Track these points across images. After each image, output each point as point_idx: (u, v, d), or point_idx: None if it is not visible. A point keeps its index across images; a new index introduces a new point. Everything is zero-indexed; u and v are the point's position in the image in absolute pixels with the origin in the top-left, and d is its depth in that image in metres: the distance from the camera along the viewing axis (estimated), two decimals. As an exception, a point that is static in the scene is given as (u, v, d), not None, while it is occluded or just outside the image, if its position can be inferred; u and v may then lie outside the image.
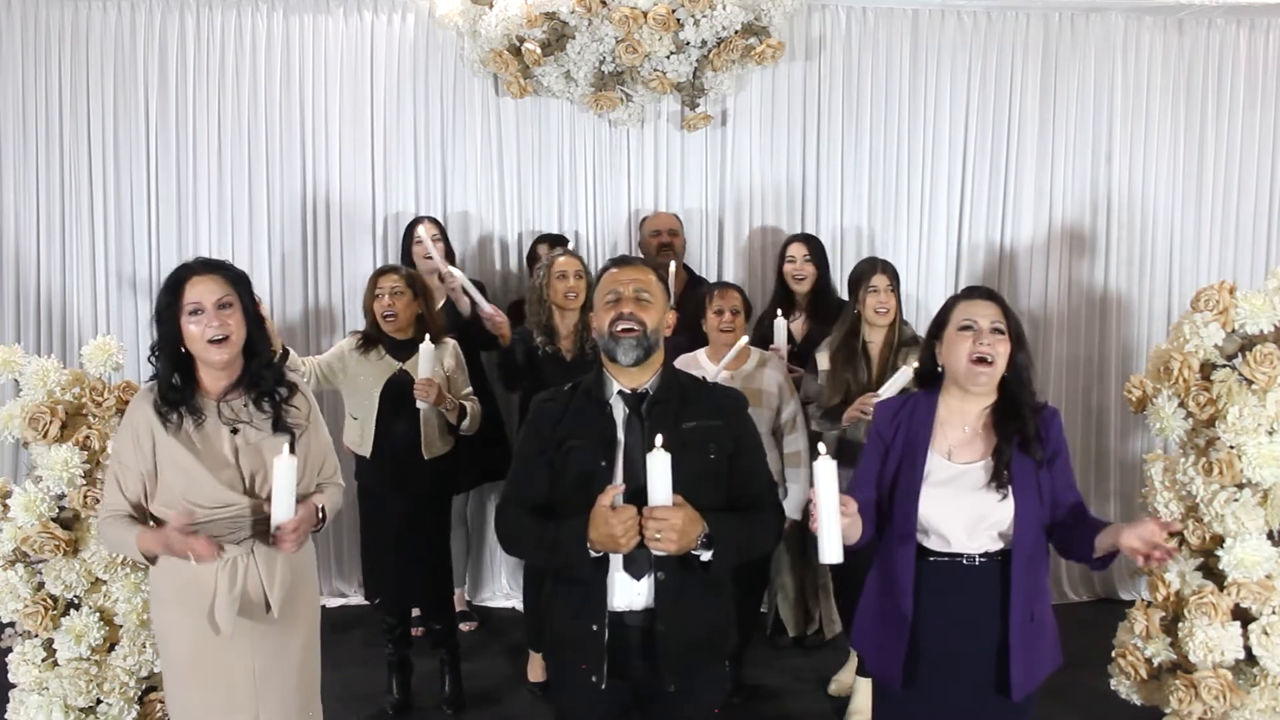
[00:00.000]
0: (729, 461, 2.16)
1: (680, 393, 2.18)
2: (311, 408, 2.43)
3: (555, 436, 2.16)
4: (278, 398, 2.32)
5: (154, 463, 2.25)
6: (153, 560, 2.28)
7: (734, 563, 2.12)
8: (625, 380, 2.17)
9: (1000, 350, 2.21)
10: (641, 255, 4.37)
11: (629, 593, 2.11)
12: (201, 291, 2.22)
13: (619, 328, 2.13)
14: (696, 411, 2.16)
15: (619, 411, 2.16)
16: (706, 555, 2.06)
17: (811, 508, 1.97)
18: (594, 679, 2.11)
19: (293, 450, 2.25)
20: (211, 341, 2.21)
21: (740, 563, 2.15)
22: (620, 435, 2.14)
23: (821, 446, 2.01)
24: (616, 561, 2.10)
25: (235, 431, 2.28)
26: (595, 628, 2.11)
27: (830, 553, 1.96)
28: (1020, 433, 2.21)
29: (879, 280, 3.42)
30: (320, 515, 2.36)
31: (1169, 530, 2.10)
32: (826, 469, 1.95)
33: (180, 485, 2.24)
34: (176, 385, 2.25)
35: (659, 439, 1.96)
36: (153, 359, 2.28)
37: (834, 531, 1.95)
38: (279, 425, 2.31)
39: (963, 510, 2.20)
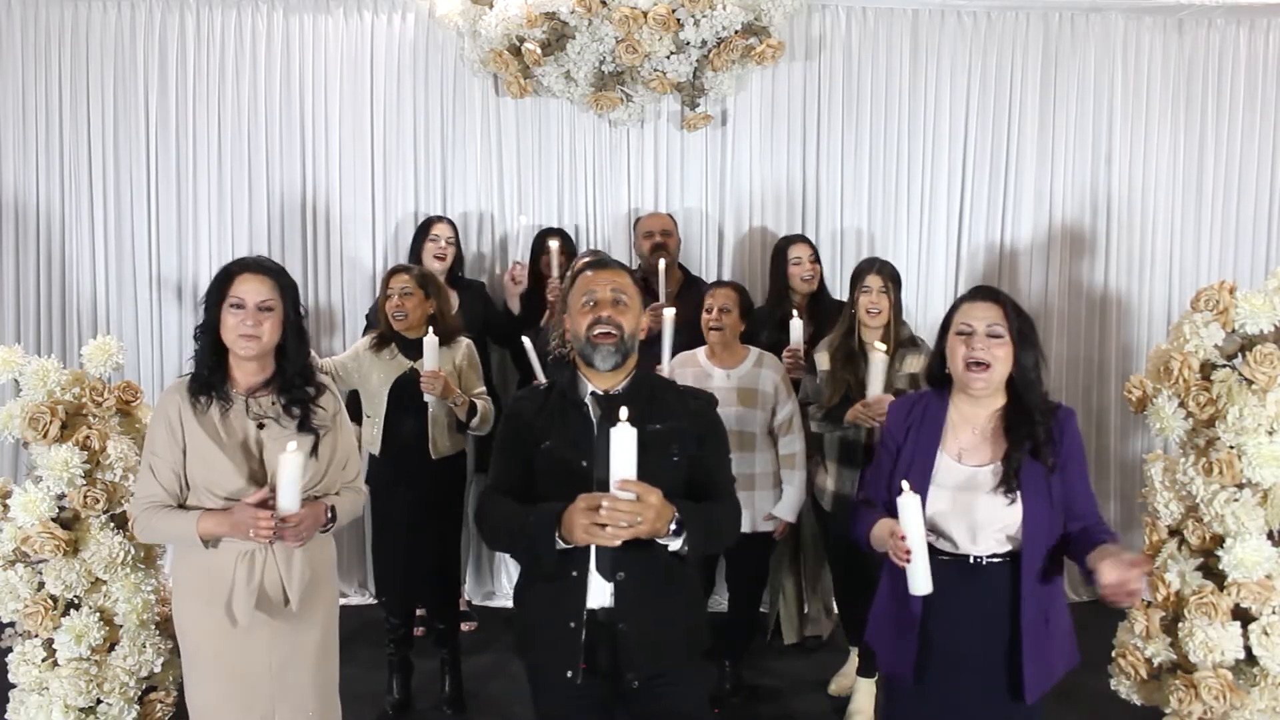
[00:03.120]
0: (690, 460, 2.16)
1: (649, 395, 2.18)
2: (339, 409, 2.47)
3: (532, 435, 2.16)
4: (305, 397, 2.36)
5: (184, 452, 2.28)
6: (215, 544, 2.29)
7: (702, 552, 2.11)
8: (599, 382, 2.18)
9: (999, 354, 2.19)
10: (636, 255, 4.38)
11: (602, 593, 2.12)
12: (248, 289, 2.28)
13: (596, 333, 2.13)
14: (663, 413, 2.16)
15: (594, 412, 2.16)
16: (677, 544, 2.05)
17: (896, 542, 2.07)
18: (569, 674, 2.12)
19: (315, 452, 2.32)
20: (243, 336, 2.26)
21: (708, 553, 2.15)
22: (596, 436, 2.13)
23: (905, 484, 2.07)
24: (593, 562, 2.10)
25: (261, 426, 2.31)
26: (573, 625, 2.11)
27: (920, 585, 2.07)
28: (1031, 438, 2.19)
29: (872, 280, 3.40)
30: (329, 515, 2.37)
31: (1143, 569, 2.08)
32: (912, 504, 2.03)
33: (201, 474, 2.27)
34: (210, 370, 2.30)
35: (623, 412, 1.95)
36: (196, 338, 2.34)
37: (923, 564, 2.05)
38: (304, 426, 2.34)
39: (970, 513, 2.20)
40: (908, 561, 2.07)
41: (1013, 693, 2.18)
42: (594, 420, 2.15)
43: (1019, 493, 2.17)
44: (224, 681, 2.33)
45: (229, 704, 2.33)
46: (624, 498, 1.93)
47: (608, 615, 2.11)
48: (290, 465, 2.16)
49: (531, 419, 2.18)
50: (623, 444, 1.93)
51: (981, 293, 2.30)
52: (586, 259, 3.66)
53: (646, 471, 2.06)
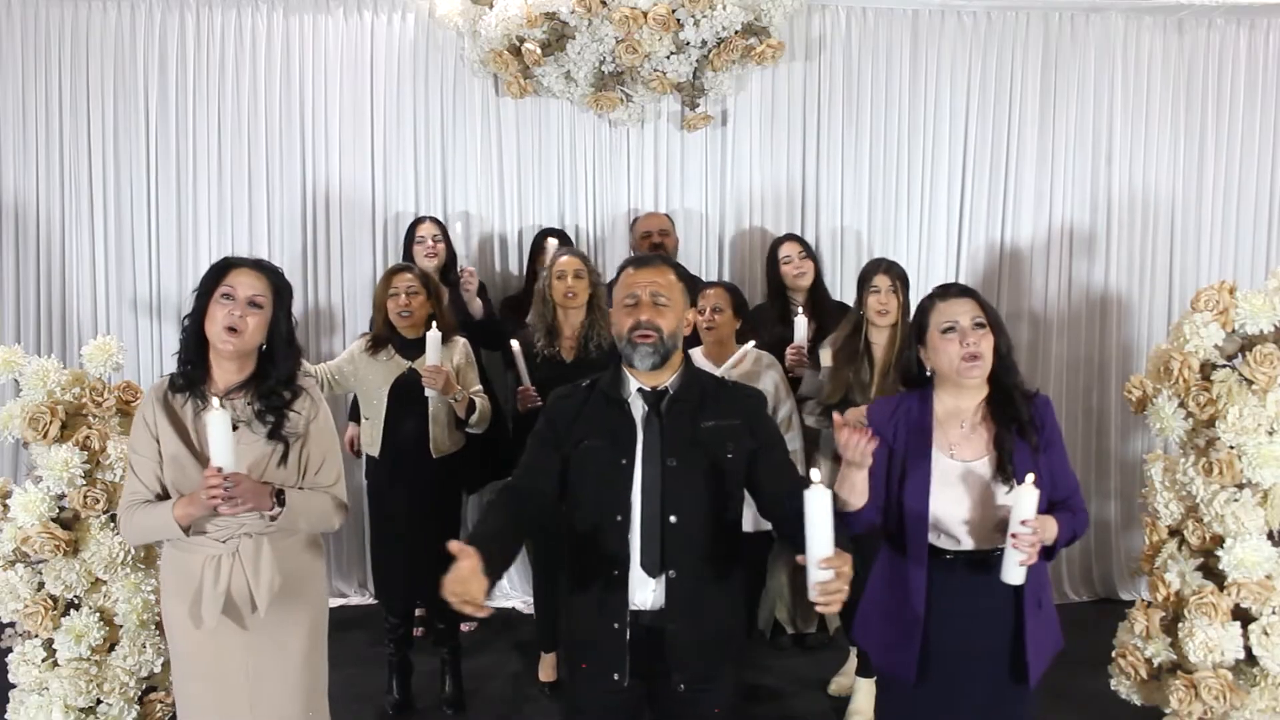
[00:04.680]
0: (752, 458, 2.16)
1: (700, 392, 2.18)
2: (319, 412, 2.39)
3: (571, 434, 2.16)
4: (281, 404, 2.32)
5: (159, 453, 2.26)
6: (201, 530, 2.26)
7: None
8: (645, 379, 2.17)
9: (985, 344, 2.24)
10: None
11: (645, 590, 2.11)
12: (241, 281, 2.26)
13: (636, 334, 2.13)
14: (715, 411, 2.16)
15: (638, 409, 2.15)
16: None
17: (1016, 529, 2.08)
18: (616, 677, 2.11)
19: (284, 459, 2.28)
20: (226, 329, 2.22)
21: None
22: (639, 433, 2.13)
23: (1030, 478, 2.09)
24: (636, 559, 2.10)
25: (235, 429, 2.27)
26: (617, 626, 2.11)
27: (1015, 575, 2.11)
28: (1016, 420, 2.24)
29: (880, 280, 3.40)
30: (275, 499, 2.24)
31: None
32: (1033, 494, 2.06)
33: (172, 475, 2.25)
34: (191, 365, 2.27)
35: (815, 474, 1.88)
36: (182, 335, 2.31)
37: (1028, 555, 2.09)
38: (274, 435, 2.30)
39: (973, 507, 2.22)
40: (1028, 549, 2.09)
41: (1015, 678, 2.22)
42: (636, 418, 2.15)
43: (1015, 480, 2.19)
44: (201, 681, 2.32)
45: (208, 704, 2.32)
46: (826, 577, 1.82)
47: (655, 616, 2.11)
48: (215, 424, 2.11)
49: (571, 419, 2.18)
50: (819, 511, 1.82)
51: (954, 290, 2.33)
52: (563, 255, 3.67)
53: (703, 469, 2.10)
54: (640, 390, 2.16)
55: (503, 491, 2.21)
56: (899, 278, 3.43)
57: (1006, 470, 2.20)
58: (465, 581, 1.81)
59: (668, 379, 2.17)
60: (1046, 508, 2.23)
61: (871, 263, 3.59)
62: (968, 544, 2.23)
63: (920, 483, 2.24)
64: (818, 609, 1.85)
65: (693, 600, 2.10)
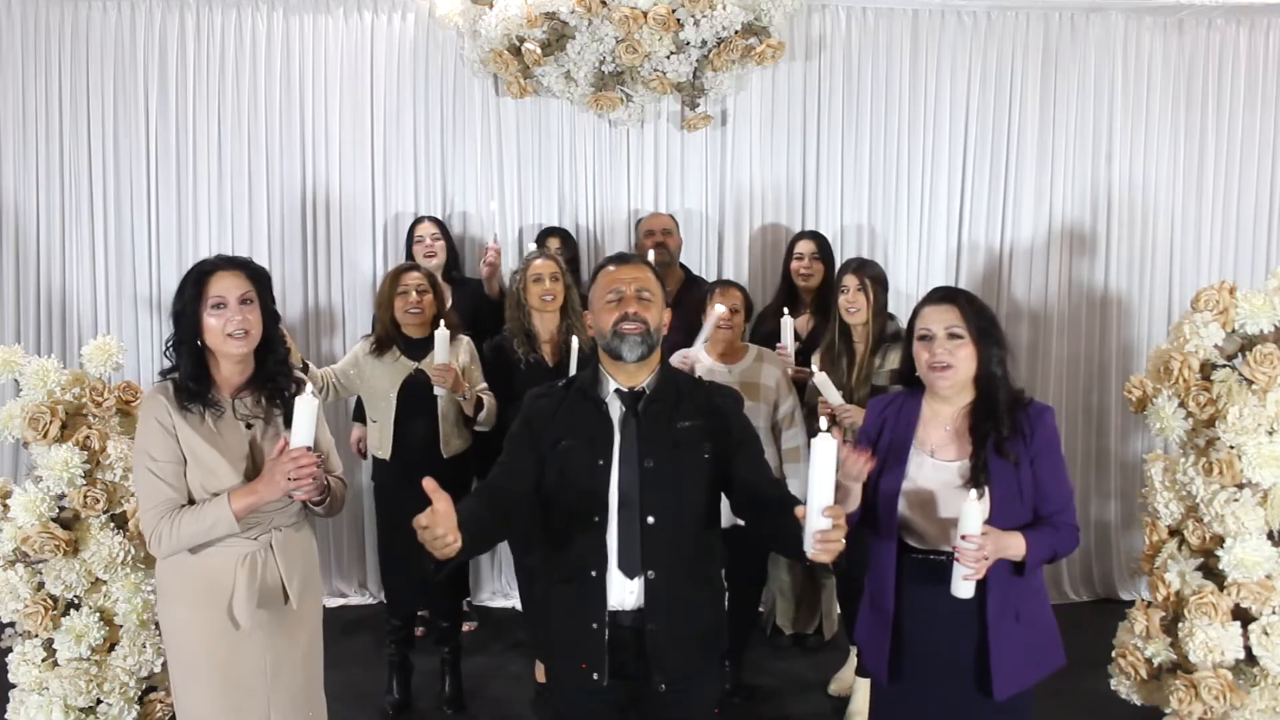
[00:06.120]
0: (729, 457, 2.16)
1: (676, 391, 2.19)
2: (319, 404, 2.42)
3: (549, 434, 2.16)
4: (288, 394, 2.33)
5: (182, 454, 2.24)
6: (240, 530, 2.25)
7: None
8: (623, 379, 2.17)
9: (960, 354, 2.21)
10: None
11: (622, 591, 2.11)
12: (226, 286, 2.25)
13: (623, 325, 2.13)
14: (691, 410, 2.16)
15: (615, 409, 2.16)
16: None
17: (958, 543, 2.06)
18: (595, 676, 2.12)
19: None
20: (231, 336, 2.23)
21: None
22: (616, 434, 2.14)
23: (974, 493, 2.07)
24: (614, 560, 2.10)
25: (250, 427, 2.30)
26: (595, 626, 2.11)
27: (963, 588, 2.09)
28: (995, 433, 2.20)
29: (848, 280, 3.45)
30: (326, 484, 2.31)
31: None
32: (976, 508, 2.04)
33: (199, 479, 2.24)
34: (194, 380, 2.26)
35: (824, 421, 1.85)
36: (167, 353, 2.29)
37: (974, 570, 2.07)
38: (291, 420, 2.30)
39: (942, 509, 2.21)
40: (972, 563, 2.07)
41: (983, 689, 2.18)
42: (614, 418, 2.15)
43: (987, 489, 2.17)
44: (219, 687, 2.29)
45: (224, 707, 2.30)
46: (826, 526, 1.80)
47: (634, 616, 2.11)
48: (306, 408, 2.12)
49: (548, 419, 2.18)
50: (824, 460, 1.80)
51: (938, 294, 2.32)
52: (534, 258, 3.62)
53: (680, 468, 2.10)
54: (618, 390, 2.16)
55: (478, 490, 2.23)
56: (870, 276, 3.46)
57: (978, 480, 2.17)
58: (441, 517, 1.79)
59: (644, 379, 2.18)
60: (1029, 521, 2.21)
61: (844, 263, 3.64)
62: (935, 545, 2.22)
63: (894, 480, 2.24)
64: (811, 558, 1.82)
65: (672, 600, 2.11)
